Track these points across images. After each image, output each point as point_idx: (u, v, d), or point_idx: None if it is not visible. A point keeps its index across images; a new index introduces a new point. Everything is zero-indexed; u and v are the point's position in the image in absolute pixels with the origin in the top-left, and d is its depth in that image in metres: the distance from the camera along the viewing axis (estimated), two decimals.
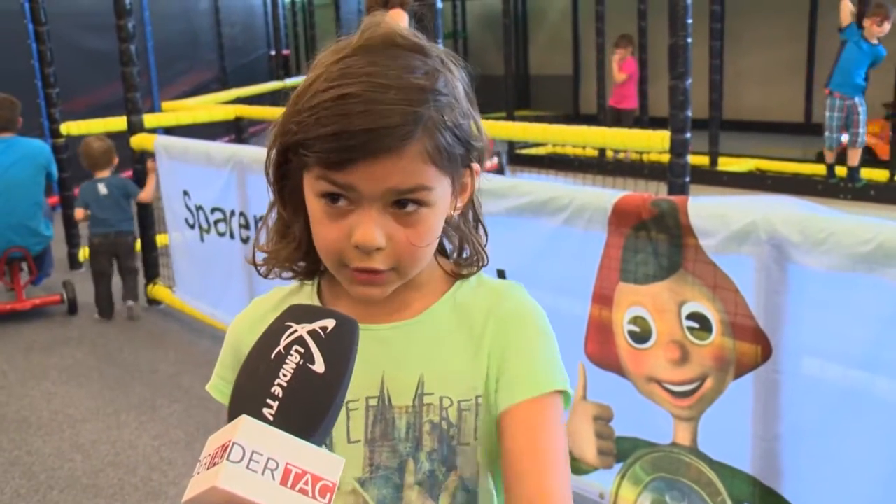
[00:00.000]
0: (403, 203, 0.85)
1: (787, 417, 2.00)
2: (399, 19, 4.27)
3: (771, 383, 2.00)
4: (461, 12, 15.96)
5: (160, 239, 5.09)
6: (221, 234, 4.13)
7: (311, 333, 0.72)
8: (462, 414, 0.93)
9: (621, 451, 2.40)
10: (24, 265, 5.01)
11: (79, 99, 8.07)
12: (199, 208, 4.25)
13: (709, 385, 2.13)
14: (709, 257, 2.06)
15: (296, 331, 0.73)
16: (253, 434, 0.66)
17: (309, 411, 0.69)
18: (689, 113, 3.41)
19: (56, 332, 4.81)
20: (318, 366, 0.71)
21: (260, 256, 0.99)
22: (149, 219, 5.05)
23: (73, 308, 5.06)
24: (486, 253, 1.00)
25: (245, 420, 0.67)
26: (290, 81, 11.22)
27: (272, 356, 0.71)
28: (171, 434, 3.46)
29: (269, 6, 13.33)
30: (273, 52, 12.41)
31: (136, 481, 3.10)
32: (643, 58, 9.58)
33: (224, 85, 11.03)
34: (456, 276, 0.99)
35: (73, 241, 6.07)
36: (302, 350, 0.71)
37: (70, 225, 6.04)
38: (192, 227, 4.37)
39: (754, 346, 2.01)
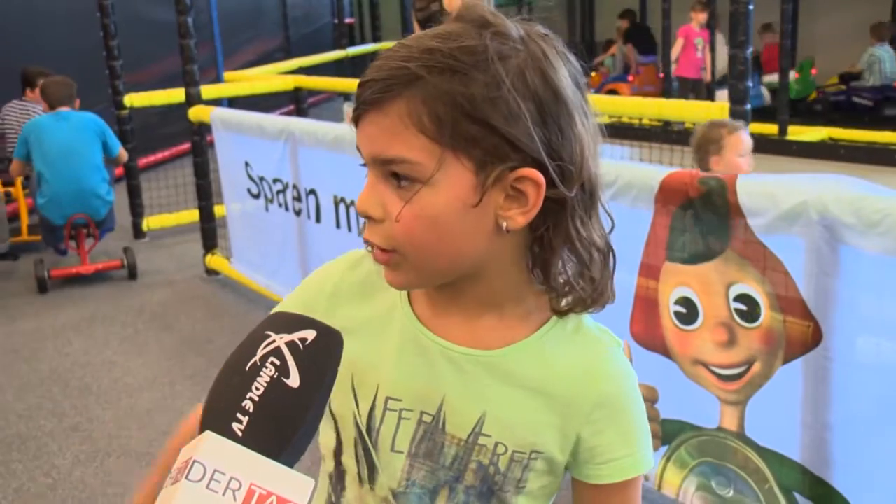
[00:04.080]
0: (398, 176, 0.80)
1: (837, 405, 1.92)
2: None
3: (821, 369, 1.91)
4: None
5: (218, 210, 5.16)
6: (281, 206, 4.15)
7: (290, 345, 0.68)
8: (512, 465, 0.89)
9: (667, 433, 2.34)
10: (89, 231, 5.16)
11: (147, 70, 8.19)
12: (261, 179, 4.28)
13: (756, 369, 2.06)
14: (758, 237, 1.98)
15: (274, 341, 0.68)
16: (216, 452, 0.62)
17: (279, 428, 0.65)
18: (750, 83, 3.28)
19: (118, 301, 4.93)
20: (293, 380, 0.66)
21: None
22: (207, 189, 5.11)
23: (132, 273, 5.23)
24: (580, 288, 0.85)
25: (208, 436, 0.63)
26: (352, 50, 11.21)
27: (247, 367, 0.67)
28: None
29: None
30: (336, 21, 12.40)
31: None
32: (711, 24, 9.30)
33: (288, 54, 11.08)
34: (551, 310, 0.88)
35: (136, 211, 6.19)
36: (278, 362, 0.67)
37: (134, 195, 6.17)
38: (255, 196, 4.38)
39: (804, 331, 1.93)
